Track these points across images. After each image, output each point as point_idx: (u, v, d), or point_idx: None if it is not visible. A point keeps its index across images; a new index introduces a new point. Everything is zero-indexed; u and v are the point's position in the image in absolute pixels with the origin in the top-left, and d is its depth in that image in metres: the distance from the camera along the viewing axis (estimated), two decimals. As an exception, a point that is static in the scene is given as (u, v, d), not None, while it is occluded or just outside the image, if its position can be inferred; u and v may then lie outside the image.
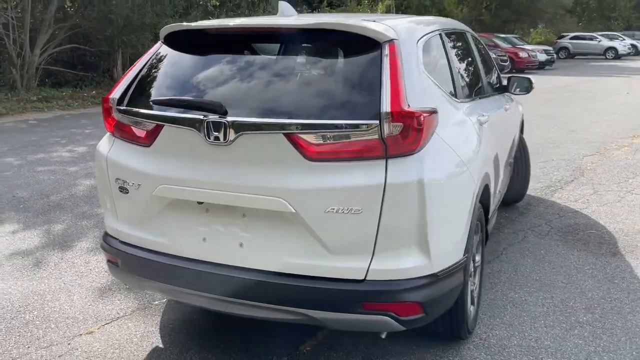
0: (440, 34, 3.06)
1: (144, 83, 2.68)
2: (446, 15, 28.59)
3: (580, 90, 16.72)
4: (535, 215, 5.13)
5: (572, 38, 34.63)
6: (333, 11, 24.50)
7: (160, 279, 2.59)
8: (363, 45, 2.39)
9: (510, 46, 24.16)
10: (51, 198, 5.65)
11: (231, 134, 2.30)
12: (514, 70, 23.25)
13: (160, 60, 2.75)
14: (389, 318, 2.30)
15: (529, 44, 28.96)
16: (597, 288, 3.65)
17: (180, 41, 2.73)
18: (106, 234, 2.83)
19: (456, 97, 2.94)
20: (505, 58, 21.68)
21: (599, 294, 3.57)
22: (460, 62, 3.33)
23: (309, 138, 2.24)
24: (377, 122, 2.20)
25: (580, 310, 3.36)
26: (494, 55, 20.26)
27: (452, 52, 3.16)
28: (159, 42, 2.82)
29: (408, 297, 2.30)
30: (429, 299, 2.35)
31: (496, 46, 23.22)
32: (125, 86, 2.69)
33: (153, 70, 2.71)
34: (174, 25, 2.68)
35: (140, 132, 2.57)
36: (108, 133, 2.79)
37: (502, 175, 4.04)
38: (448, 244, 2.45)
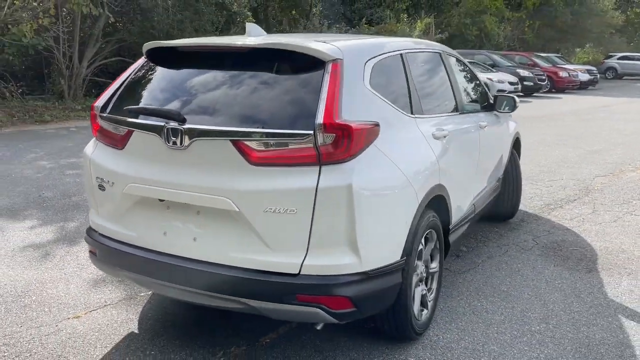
0: (401, 55, 3.29)
1: (124, 93, 3.03)
2: (487, 34, 28.54)
3: (617, 111, 16.43)
4: (526, 231, 5.23)
5: (620, 58, 33.84)
6: (372, 28, 24.82)
7: (129, 268, 2.91)
8: (310, 63, 2.66)
9: (551, 65, 23.88)
10: (72, 199, 6.11)
11: (186, 140, 2.61)
12: (553, 90, 22.99)
13: (140, 72, 3.09)
14: (320, 310, 2.53)
15: (572, 63, 28.49)
16: (560, 301, 3.76)
17: (158, 56, 3.08)
18: (89, 228, 3.18)
19: (412, 113, 3.16)
20: (544, 77, 21.48)
21: (560, 306, 3.68)
22: (423, 81, 3.53)
23: (252, 145, 2.52)
24: (312, 132, 2.46)
25: (536, 320, 3.49)
26: (531, 74, 20.21)
27: (414, 72, 3.38)
28: (143, 56, 3.17)
29: (338, 291, 2.53)
30: (359, 295, 2.57)
31: (535, 65, 23.00)
32: (108, 95, 3.05)
33: (133, 82, 3.06)
34: (151, 42, 3.03)
35: (116, 137, 2.91)
36: (94, 137, 3.15)
37: (477, 189, 4.20)
38: (380, 245, 2.67)
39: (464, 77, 4.48)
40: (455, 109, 3.92)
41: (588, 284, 4.05)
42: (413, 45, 3.59)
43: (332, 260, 2.53)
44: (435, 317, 3.47)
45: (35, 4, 11.38)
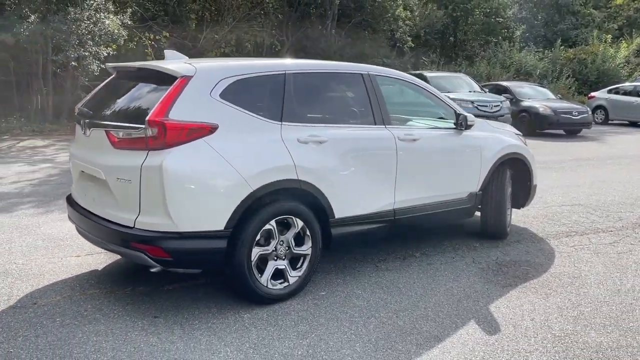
0: (284, 74, 4.05)
1: (91, 98, 4.40)
2: None
3: None
4: (503, 250, 5.28)
5: None
6: (570, 50, 23.41)
7: (72, 219, 4.25)
8: (168, 79, 3.68)
9: None
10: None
11: (88, 130, 3.85)
12: None
13: (105, 85, 4.44)
14: (144, 255, 3.52)
15: None
16: (437, 302, 4.03)
17: (116, 73, 4.40)
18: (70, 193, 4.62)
19: (280, 120, 3.91)
20: None
21: (429, 305, 3.98)
22: (314, 95, 4.23)
23: (114, 134, 3.65)
24: (143, 126, 3.48)
25: (390, 310, 3.88)
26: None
27: (301, 88, 4.10)
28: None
29: (154, 243, 3.48)
30: (172, 248, 3.49)
31: None
32: (85, 100, 4.45)
33: (99, 91, 4.42)
34: (109, 64, 4.38)
35: (76, 129, 4.30)
36: (79, 130, 4.60)
37: (400, 197, 4.60)
38: (195, 214, 3.52)
39: (419, 97, 4.96)
40: (372, 122, 4.46)
41: (484, 294, 4.18)
42: (309, 68, 4.29)
43: (154, 220, 3.51)
44: (307, 291, 4.12)
45: (216, 36, 13.93)
